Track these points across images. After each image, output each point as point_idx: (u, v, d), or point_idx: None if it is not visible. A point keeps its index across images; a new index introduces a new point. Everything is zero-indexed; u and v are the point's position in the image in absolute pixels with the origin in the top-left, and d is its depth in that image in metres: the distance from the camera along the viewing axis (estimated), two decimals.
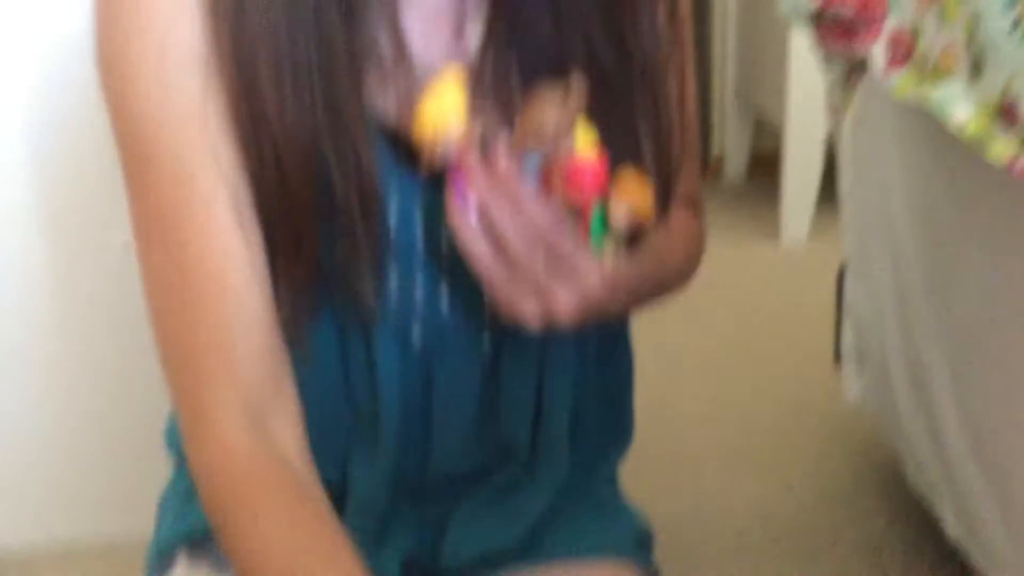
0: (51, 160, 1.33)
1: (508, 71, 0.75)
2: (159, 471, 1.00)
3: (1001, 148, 0.87)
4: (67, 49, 1.28)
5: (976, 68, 0.92)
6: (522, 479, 0.87)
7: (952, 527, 1.20)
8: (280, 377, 0.74)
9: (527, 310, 0.70)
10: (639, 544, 0.92)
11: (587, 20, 0.75)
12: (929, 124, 1.07)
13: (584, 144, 0.69)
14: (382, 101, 0.74)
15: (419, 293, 0.79)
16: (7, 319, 1.37)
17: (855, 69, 1.33)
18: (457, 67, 0.70)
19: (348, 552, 0.69)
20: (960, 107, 0.94)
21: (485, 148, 0.67)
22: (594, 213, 0.69)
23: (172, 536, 0.91)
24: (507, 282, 0.69)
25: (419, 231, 0.76)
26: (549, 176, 0.68)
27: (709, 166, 3.01)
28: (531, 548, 0.87)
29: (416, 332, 0.80)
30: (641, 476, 1.55)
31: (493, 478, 0.86)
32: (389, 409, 0.80)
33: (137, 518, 1.03)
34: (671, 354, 1.95)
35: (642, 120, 0.78)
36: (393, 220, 0.75)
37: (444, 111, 0.67)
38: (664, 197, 0.78)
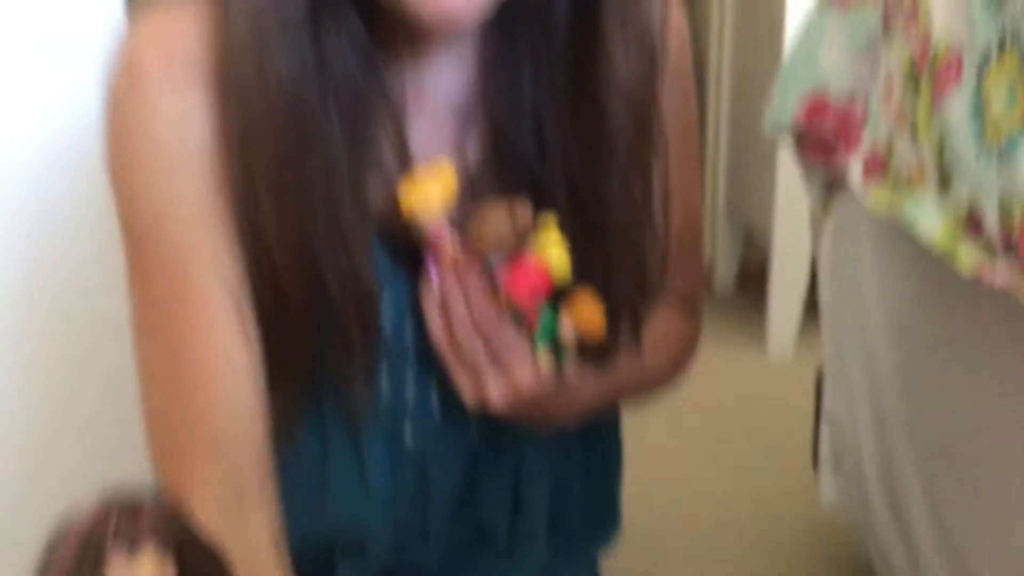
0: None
1: (502, 181, 0.79)
2: None
3: (968, 258, 0.90)
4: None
5: (944, 182, 0.96)
6: (501, 564, 0.88)
7: None
8: (264, 473, 0.74)
9: (463, 389, 0.74)
10: None
11: (567, 154, 0.78)
12: (904, 237, 1.11)
13: (549, 255, 0.74)
14: (381, 202, 0.76)
15: (410, 391, 0.81)
16: None
17: (834, 183, 1.38)
18: (445, 159, 0.75)
19: None
20: (929, 219, 0.98)
21: (456, 239, 0.73)
22: (542, 319, 0.74)
23: None
24: (452, 361, 0.73)
25: (410, 329, 0.79)
26: (502, 276, 0.74)
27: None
28: None
29: (408, 432, 0.81)
30: (615, 569, 1.56)
31: (474, 563, 0.87)
32: (379, 513, 0.81)
33: None
34: (651, 455, 1.97)
35: (617, 248, 0.81)
36: (386, 320, 0.77)
37: (426, 194, 0.71)
38: (633, 322, 0.82)
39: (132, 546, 0.51)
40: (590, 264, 0.78)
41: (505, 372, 0.74)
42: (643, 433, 2.07)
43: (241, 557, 0.68)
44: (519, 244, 0.72)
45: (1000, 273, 0.85)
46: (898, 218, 1.03)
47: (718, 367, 2.46)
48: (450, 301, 0.73)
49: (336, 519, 0.81)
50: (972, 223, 0.91)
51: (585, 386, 0.82)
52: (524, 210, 0.73)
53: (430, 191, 0.72)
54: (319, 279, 0.73)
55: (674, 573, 1.60)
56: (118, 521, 0.51)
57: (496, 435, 0.84)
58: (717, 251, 3.01)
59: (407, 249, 0.77)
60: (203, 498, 0.71)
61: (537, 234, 0.74)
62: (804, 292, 2.44)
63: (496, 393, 0.74)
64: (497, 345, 0.73)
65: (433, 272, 0.74)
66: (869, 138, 1.13)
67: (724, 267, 3.02)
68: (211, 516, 0.69)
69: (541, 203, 0.76)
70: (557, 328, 0.75)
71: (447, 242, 0.72)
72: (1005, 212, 0.85)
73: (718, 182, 2.96)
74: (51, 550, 0.52)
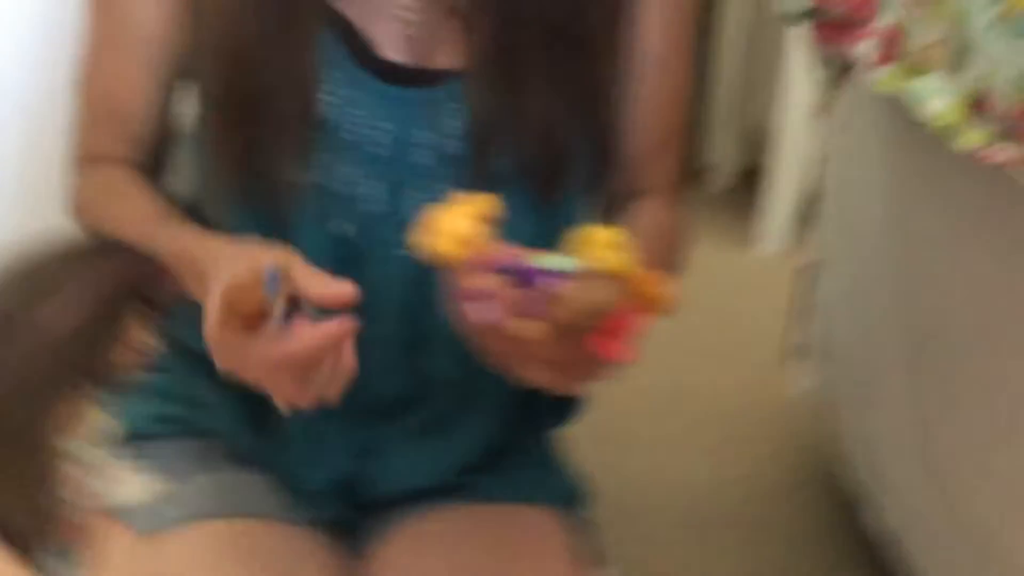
0: None
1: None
2: None
3: (971, 137, 0.89)
4: None
5: (957, 62, 0.95)
6: (451, 417, 0.87)
7: (880, 520, 1.22)
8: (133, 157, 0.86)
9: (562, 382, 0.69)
10: (570, 498, 0.93)
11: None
12: (909, 122, 1.10)
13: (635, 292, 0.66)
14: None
15: (361, 189, 0.80)
16: None
17: (846, 69, 1.35)
18: (483, 199, 0.68)
19: (147, 197, 0.82)
20: (936, 99, 0.96)
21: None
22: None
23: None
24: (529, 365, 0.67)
25: (362, 128, 0.79)
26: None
27: (696, 174, 3.03)
28: (460, 489, 0.88)
29: (347, 225, 0.81)
30: (586, 453, 1.57)
31: (422, 411, 0.86)
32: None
33: None
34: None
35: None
36: (334, 113, 0.79)
37: (454, 232, 0.65)
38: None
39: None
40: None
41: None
42: None
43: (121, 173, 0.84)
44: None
45: (1001, 152, 0.84)
46: (904, 97, 1.01)
47: (702, 263, 2.45)
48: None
49: None
50: (979, 102, 0.90)
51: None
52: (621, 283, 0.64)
53: (457, 230, 0.64)
54: (264, 60, 0.77)
55: (640, 462, 1.62)
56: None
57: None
58: (715, 149, 2.98)
59: (358, 47, 0.80)
60: (108, 150, 0.86)
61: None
62: (799, 192, 2.42)
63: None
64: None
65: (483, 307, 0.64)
66: (884, 19, 1.11)
67: (722, 166, 3.00)
68: (112, 159, 0.85)
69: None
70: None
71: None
72: (1017, 90, 0.83)
73: (722, 82, 2.92)
74: None
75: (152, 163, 0.87)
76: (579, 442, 1.61)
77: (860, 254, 1.27)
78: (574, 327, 0.63)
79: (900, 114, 1.12)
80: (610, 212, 0.88)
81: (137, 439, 0.87)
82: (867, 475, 1.27)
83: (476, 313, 0.65)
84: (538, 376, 0.67)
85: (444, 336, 0.81)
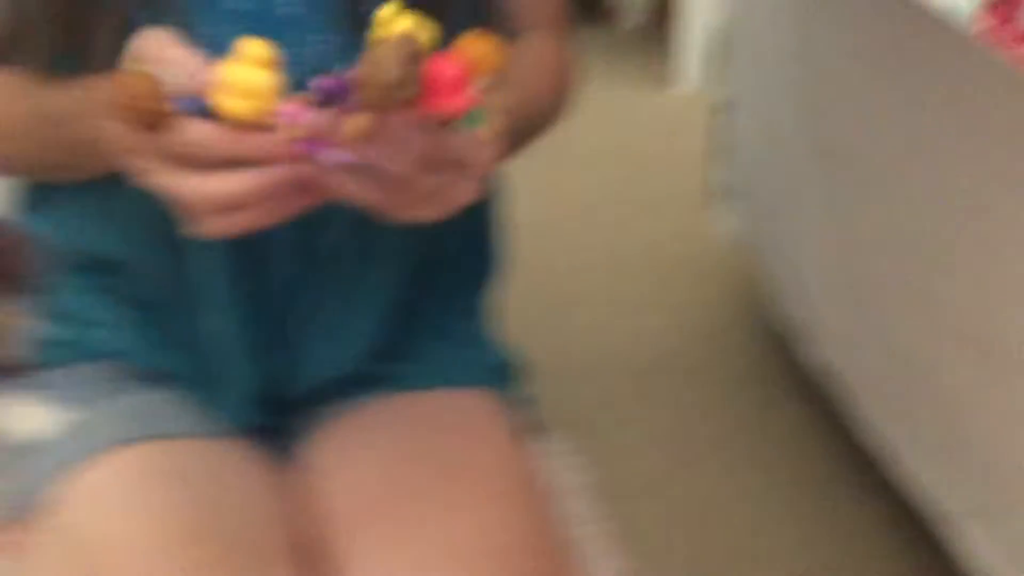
0: None
1: None
2: None
3: None
4: None
5: None
6: (353, 293, 0.83)
7: (814, 353, 1.23)
8: None
9: (428, 214, 0.66)
10: (501, 374, 0.91)
11: None
12: None
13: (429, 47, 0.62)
14: None
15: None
16: None
17: None
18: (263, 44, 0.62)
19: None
20: None
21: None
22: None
23: None
24: (401, 202, 0.64)
25: None
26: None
27: (606, 13, 2.96)
28: (383, 380, 0.85)
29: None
30: (517, 318, 1.56)
31: (322, 291, 0.82)
32: None
33: None
34: (548, 198, 1.94)
35: None
36: None
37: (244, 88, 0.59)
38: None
39: None
40: None
41: (466, 172, 0.65)
42: (535, 177, 2.03)
43: None
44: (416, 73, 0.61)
45: None
46: None
47: (617, 104, 2.41)
48: (382, 160, 0.63)
49: None
50: None
51: (513, 115, 0.74)
52: (409, 40, 0.61)
53: (252, 84, 0.59)
54: None
55: (573, 319, 1.61)
56: None
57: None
58: None
59: None
60: None
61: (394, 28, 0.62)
62: (713, 28, 2.38)
63: (468, 193, 0.66)
64: (449, 159, 0.64)
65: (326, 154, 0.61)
66: None
67: (634, 4, 2.93)
68: None
69: None
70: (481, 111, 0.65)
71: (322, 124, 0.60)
72: None
73: None
74: None
75: None
76: (509, 307, 1.60)
77: (770, 89, 1.24)
78: (391, 100, 0.59)
79: None
80: None
81: (31, 368, 0.83)
82: (798, 311, 1.27)
83: (327, 162, 0.61)
84: (413, 205, 0.64)
85: (330, 205, 0.77)
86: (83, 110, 0.67)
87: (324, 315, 0.82)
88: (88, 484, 0.74)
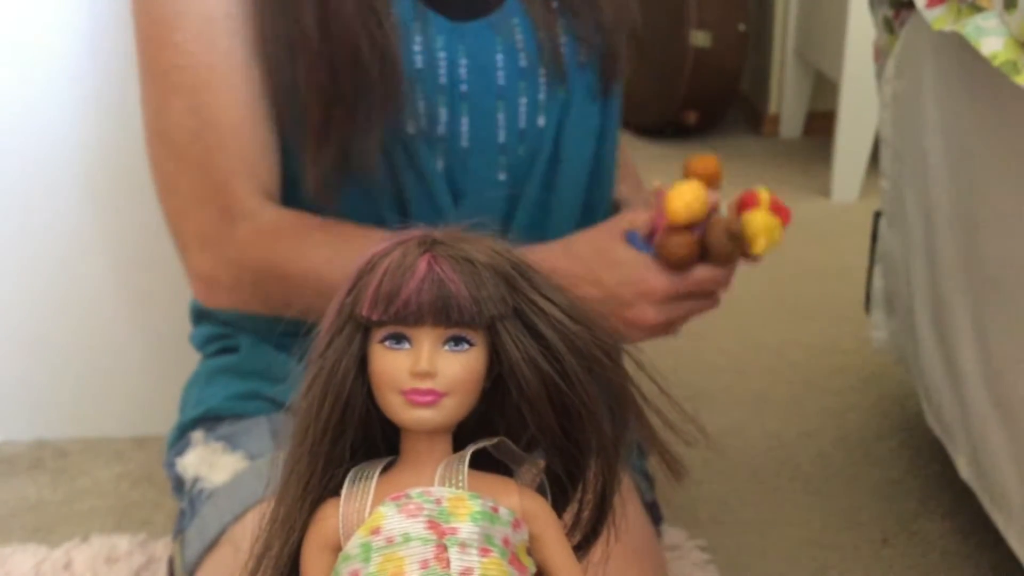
0: None
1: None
2: (188, 372, 1.03)
3: None
4: None
5: (1010, 1, 0.92)
6: None
7: (964, 469, 1.21)
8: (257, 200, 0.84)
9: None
10: (637, 450, 0.94)
11: None
12: (966, 64, 1.07)
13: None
14: None
15: (442, 124, 0.85)
16: (38, 210, 1.41)
17: (900, 10, 1.32)
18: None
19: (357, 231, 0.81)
20: (992, 38, 0.94)
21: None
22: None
23: (191, 417, 0.94)
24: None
25: (444, 65, 0.84)
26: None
27: (766, 123, 2.99)
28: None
29: (440, 162, 0.85)
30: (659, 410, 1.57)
31: None
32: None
33: (166, 415, 1.07)
34: None
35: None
36: (417, 58, 0.83)
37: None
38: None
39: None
40: None
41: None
42: None
43: (292, 216, 0.83)
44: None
45: None
46: (961, 34, 0.98)
47: None
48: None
49: None
50: None
51: None
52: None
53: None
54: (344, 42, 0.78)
55: (721, 417, 1.62)
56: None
57: (525, 172, 0.89)
58: (784, 96, 2.94)
59: None
60: (250, 199, 0.82)
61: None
62: (871, 139, 2.38)
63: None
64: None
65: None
66: None
67: (791, 113, 2.95)
68: (262, 209, 0.82)
69: None
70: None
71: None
72: None
73: (789, 29, 2.87)
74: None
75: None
76: (658, 399, 1.61)
77: (919, 199, 1.25)
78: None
79: (956, 54, 1.10)
80: None
81: (216, 419, 0.90)
82: (948, 424, 1.25)
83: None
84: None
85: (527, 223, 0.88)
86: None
87: None
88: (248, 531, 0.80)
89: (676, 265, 0.82)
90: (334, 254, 0.79)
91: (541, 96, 0.87)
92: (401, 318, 0.46)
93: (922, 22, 1.15)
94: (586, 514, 0.52)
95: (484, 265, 0.47)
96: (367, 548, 0.45)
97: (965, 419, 1.18)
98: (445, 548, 0.44)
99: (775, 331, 1.87)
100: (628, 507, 0.87)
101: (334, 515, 0.46)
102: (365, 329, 0.47)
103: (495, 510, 0.46)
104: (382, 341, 0.46)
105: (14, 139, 1.37)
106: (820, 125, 2.84)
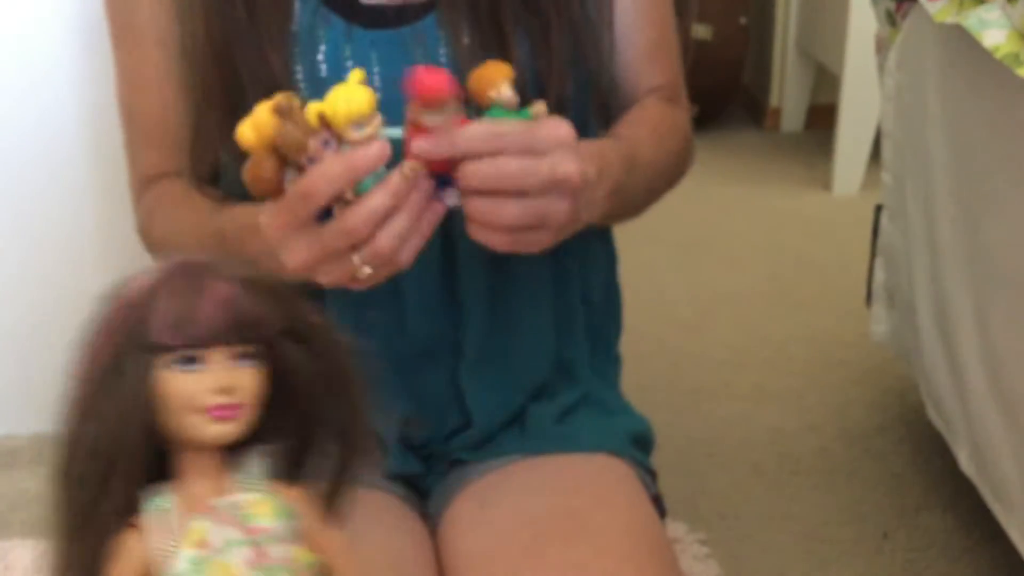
0: None
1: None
2: None
3: None
4: None
5: None
6: (499, 344, 0.88)
7: (965, 463, 1.20)
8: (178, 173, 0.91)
9: (540, 239, 0.72)
10: (635, 444, 0.94)
11: None
12: (968, 55, 1.06)
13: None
14: None
15: None
16: (38, 205, 1.40)
17: (902, 2, 1.31)
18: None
19: (197, 200, 0.86)
20: (994, 30, 0.94)
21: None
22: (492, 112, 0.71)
23: None
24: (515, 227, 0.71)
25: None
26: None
27: (767, 116, 2.99)
28: (526, 444, 0.89)
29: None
30: (661, 404, 1.57)
31: (469, 346, 0.87)
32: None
33: None
34: (706, 295, 1.96)
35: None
36: (324, 70, 0.81)
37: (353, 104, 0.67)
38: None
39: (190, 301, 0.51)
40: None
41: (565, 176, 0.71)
42: (697, 275, 2.06)
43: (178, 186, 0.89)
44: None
45: None
46: (963, 26, 0.98)
47: (780, 207, 2.42)
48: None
49: None
50: None
51: (611, 154, 0.79)
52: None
53: (351, 107, 0.66)
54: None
55: (722, 410, 1.62)
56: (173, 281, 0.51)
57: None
58: (786, 90, 2.93)
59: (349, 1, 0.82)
60: (162, 173, 0.90)
61: None
62: (873, 133, 2.37)
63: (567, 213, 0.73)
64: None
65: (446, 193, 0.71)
66: None
67: (793, 107, 2.95)
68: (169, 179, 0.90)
69: None
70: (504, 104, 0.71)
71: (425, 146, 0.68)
72: None
73: (790, 22, 2.87)
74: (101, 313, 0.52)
75: (211, 170, 0.89)
76: (660, 393, 1.61)
77: (920, 193, 1.24)
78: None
79: (958, 46, 1.09)
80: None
81: None
82: (948, 417, 1.25)
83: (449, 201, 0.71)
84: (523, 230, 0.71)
85: (473, 265, 0.83)
86: (249, 225, 0.74)
87: (473, 370, 0.87)
88: None
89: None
90: (174, 225, 0.86)
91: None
92: (195, 340, 0.49)
93: (924, 14, 1.15)
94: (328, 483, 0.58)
95: (258, 285, 0.52)
96: (196, 561, 0.50)
97: (966, 413, 1.17)
98: (261, 545, 0.51)
99: (776, 325, 1.87)
100: (639, 506, 0.88)
101: (138, 544, 0.51)
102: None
103: (288, 506, 0.53)
104: (171, 365, 0.50)
105: (14, 139, 1.37)
106: (821, 118, 2.83)
